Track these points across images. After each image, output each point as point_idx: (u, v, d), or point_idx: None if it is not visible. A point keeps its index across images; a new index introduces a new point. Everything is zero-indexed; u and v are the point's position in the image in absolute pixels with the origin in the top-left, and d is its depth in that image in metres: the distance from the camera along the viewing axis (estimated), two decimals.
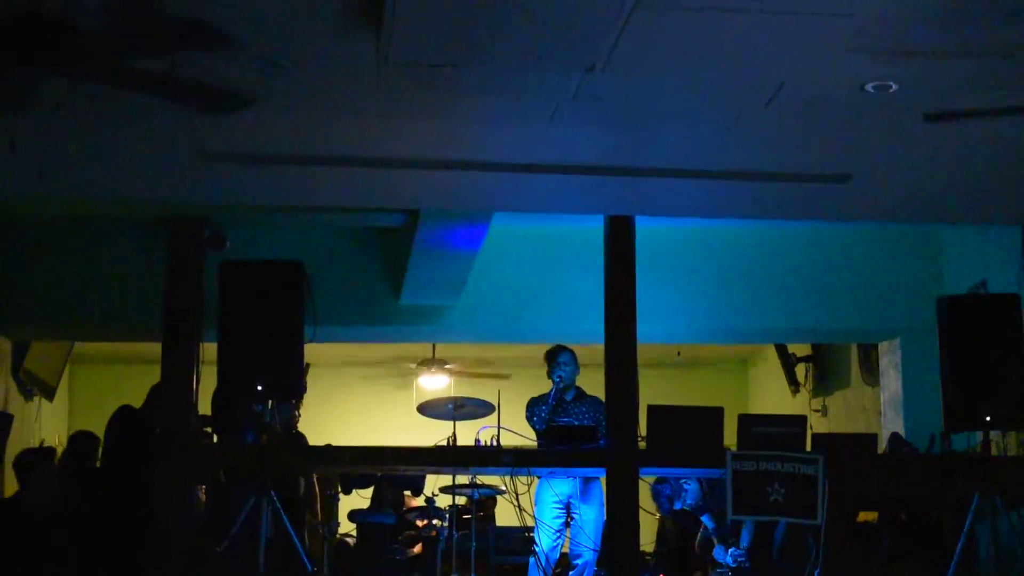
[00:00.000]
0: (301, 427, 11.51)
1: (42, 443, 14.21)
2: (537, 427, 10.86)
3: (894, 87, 7.55)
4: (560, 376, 11.01)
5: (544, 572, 10.78)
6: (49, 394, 14.86)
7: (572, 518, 10.93)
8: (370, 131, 8.38)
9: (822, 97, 7.77)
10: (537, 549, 10.86)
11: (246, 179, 9.05)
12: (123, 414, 10.48)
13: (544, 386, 11.27)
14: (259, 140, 8.45)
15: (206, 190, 9.23)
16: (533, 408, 11.04)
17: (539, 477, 10.80)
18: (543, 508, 10.88)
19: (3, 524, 9.51)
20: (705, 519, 11.47)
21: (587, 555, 10.86)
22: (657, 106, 7.97)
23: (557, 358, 11.09)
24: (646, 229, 10.33)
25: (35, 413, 14.43)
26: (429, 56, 7.29)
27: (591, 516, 10.82)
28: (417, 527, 12.44)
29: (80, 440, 11.10)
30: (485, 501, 12.86)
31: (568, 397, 11.03)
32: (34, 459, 10.02)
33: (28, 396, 14.15)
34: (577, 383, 11.17)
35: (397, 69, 7.42)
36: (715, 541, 11.41)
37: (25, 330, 12.81)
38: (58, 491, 9.71)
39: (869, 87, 7.56)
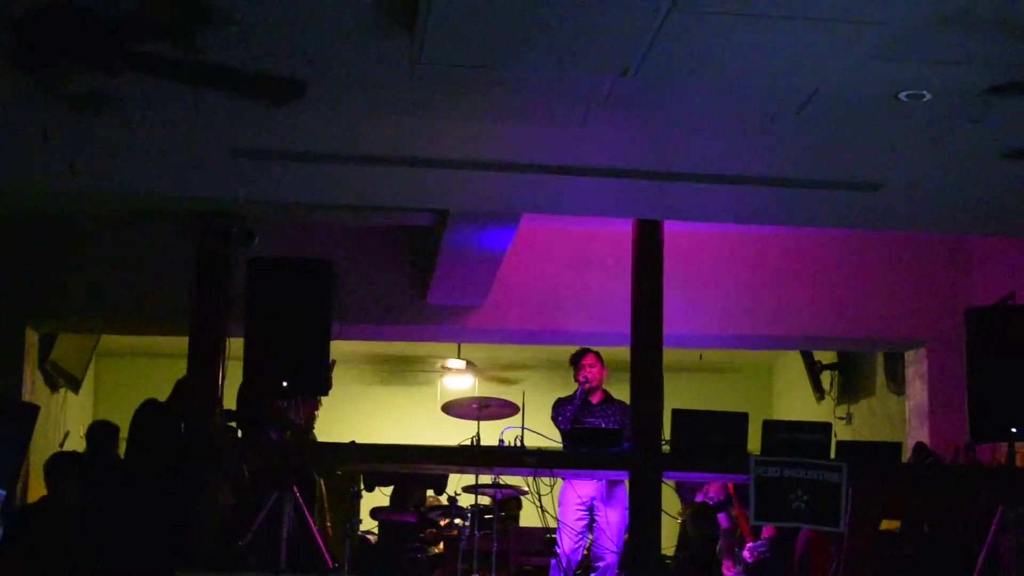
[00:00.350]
0: (326, 425, 11.55)
1: (66, 435, 14.28)
2: (562, 427, 10.87)
3: (928, 96, 7.52)
4: (586, 378, 11.02)
5: (565, 574, 10.79)
6: (75, 386, 14.91)
7: (595, 520, 10.93)
8: (401, 130, 8.38)
9: (855, 105, 7.74)
10: (559, 551, 10.87)
11: (277, 176, 9.08)
12: (148, 407, 10.51)
13: (570, 388, 11.28)
14: (291, 138, 8.46)
15: (237, 187, 9.26)
16: (559, 408, 11.05)
17: (562, 479, 10.81)
18: (566, 510, 10.89)
19: (29, 526, 9.52)
20: (722, 517, 11.44)
21: (609, 557, 10.86)
22: (689, 111, 7.95)
23: (582, 360, 11.10)
24: (674, 233, 10.33)
25: (60, 405, 14.48)
26: (462, 57, 7.29)
27: (614, 519, 10.82)
28: (439, 526, 12.45)
29: (99, 430, 11.14)
30: (510, 503, 12.87)
31: (594, 400, 11.03)
32: (61, 464, 10.01)
33: (54, 388, 14.21)
34: (604, 387, 11.17)
35: (430, 69, 7.42)
36: (720, 555, 11.42)
37: (53, 323, 12.86)
38: (83, 495, 9.70)
39: (903, 95, 7.53)
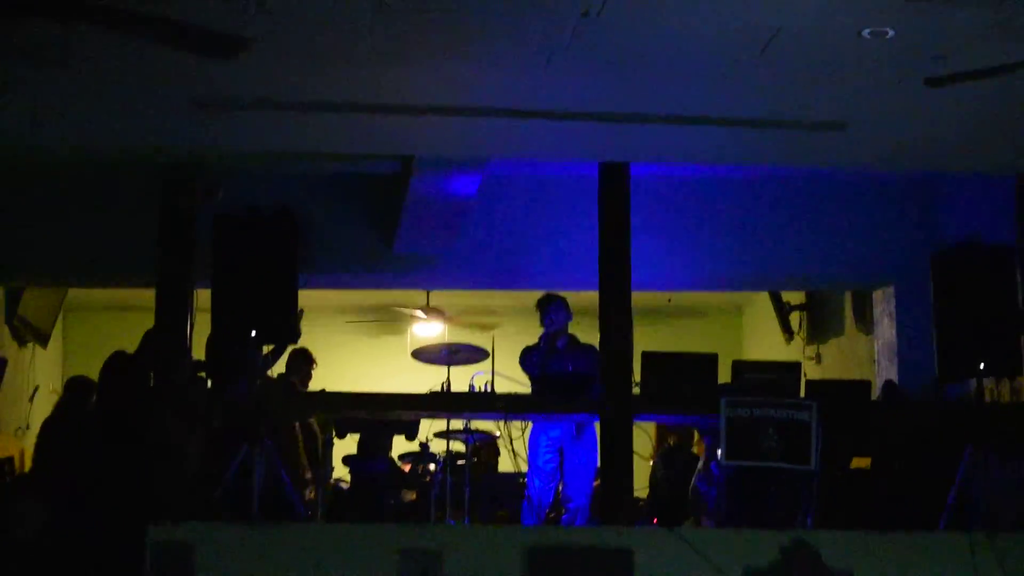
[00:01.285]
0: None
1: (36, 389, 14.27)
2: (530, 373, 10.87)
3: (891, 33, 7.50)
4: (551, 320, 10.97)
5: (537, 516, 10.82)
6: (43, 341, 14.88)
7: (564, 462, 10.93)
8: (365, 76, 8.33)
9: (818, 43, 7.71)
10: (530, 493, 10.89)
11: (239, 125, 9.03)
12: (116, 360, 10.48)
13: (537, 334, 11.28)
14: (253, 85, 8.39)
15: (199, 136, 9.21)
16: (526, 356, 11.03)
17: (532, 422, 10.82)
18: (536, 452, 10.89)
19: None
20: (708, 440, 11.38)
21: (579, 499, 10.89)
22: (652, 52, 7.91)
23: (548, 306, 11.08)
24: (640, 177, 10.32)
25: (29, 360, 14.47)
26: (424, 1, 7.25)
27: (583, 460, 10.84)
28: (412, 473, 12.47)
29: (76, 385, 11.12)
30: (486, 448, 12.89)
31: (560, 345, 11.01)
32: (11, 502, 9.80)
33: (22, 343, 14.18)
34: (571, 331, 11.16)
35: (392, 13, 7.37)
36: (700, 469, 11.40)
37: (19, 277, 12.82)
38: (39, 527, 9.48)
39: (866, 33, 7.51)
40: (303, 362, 12.27)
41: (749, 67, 8.07)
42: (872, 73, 8.16)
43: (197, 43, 6.98)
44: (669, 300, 16.20)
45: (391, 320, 17.61)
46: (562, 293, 11.28)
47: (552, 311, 11.02)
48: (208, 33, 6.94)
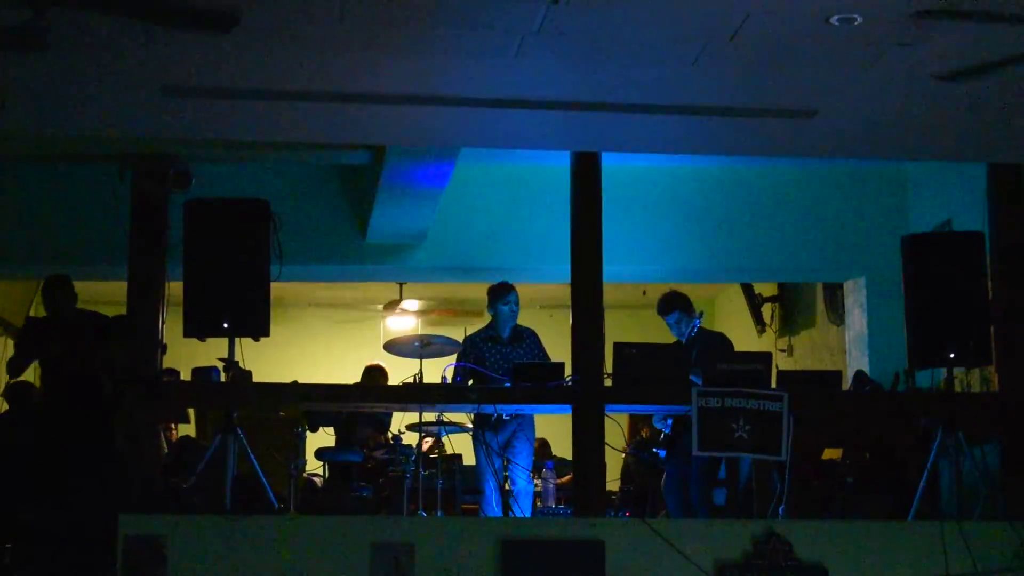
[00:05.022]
0: (270, 366, 11.54)
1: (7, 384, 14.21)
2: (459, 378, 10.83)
3: (859, 20, 7.51)
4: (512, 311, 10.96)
5: (499, 503, 10.83)
6: (14, 335, 14.80)
7: (511, 446, 10.97)
8: (335, 66, 8.30)
9: (787, 30, 7.71)
10: (489, 479, 10.89)
11: (210, 114, 8.98)
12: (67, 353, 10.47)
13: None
14: (222, 74, 8.35)
15: (170, 125, 9.17)
16: (472, 350, 11.01)
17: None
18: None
19: None
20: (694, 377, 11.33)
21: (520, 483, 10.93)
22: (622, 40, 7.90)
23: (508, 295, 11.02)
24: (612, 168, 10.32)
25: (0, 354, 14.38)
26: None
27: (525, 444, 10.91)
28: (383, 465, 12.45)
29: (13, 390, 11.15)
30: (458, 441, 12.89)
31: (505, 335, 11.03)
32: None
33: None
34: (545, 320, 11.16)
35: (362, 2, 7.36)
36: None
37: None
38: None
39: (834, 19, 7.52)
40: (379, 376, 12.85)
41: (719, 55, 8.06)
42: (841, 61, 8.16)
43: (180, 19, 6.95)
44: (644, 293, 16.22)
45: (364, 312, 17.61)
46: (535, 284, 11.29)
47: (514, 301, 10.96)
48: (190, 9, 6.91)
